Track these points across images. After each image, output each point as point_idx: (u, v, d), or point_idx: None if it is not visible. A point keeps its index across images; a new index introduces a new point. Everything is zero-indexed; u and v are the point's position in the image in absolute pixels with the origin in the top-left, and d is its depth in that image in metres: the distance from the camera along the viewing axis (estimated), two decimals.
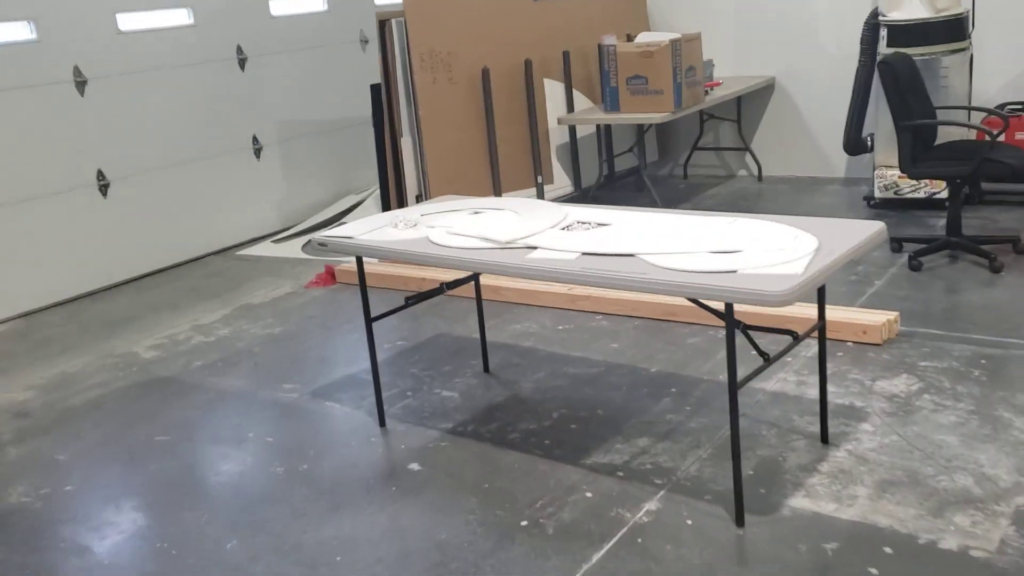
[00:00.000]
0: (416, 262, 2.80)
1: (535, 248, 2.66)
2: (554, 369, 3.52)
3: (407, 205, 4.99)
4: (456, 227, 2.95)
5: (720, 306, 2.55)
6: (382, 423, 3.19)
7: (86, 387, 3.84)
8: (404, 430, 3.13)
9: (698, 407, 3.07)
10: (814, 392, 3.08)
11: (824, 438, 2.76)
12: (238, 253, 5.77)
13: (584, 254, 2.56)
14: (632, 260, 2.46)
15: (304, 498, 2.76)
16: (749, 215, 2.77)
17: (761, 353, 2.45)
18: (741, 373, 3.24)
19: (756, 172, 6.28)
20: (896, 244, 4.45)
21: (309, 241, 5.84)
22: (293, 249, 5.70)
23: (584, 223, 2.88)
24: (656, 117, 5.02)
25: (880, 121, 5.19)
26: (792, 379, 3.20)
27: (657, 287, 2.30)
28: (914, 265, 4.17)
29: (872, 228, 2.53)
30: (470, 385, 3.45)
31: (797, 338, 2.54)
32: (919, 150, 4.18)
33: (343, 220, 6.02)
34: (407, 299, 3.20)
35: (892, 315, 3.49)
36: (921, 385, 3.07)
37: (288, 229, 6.12)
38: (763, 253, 2.37)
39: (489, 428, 3.08)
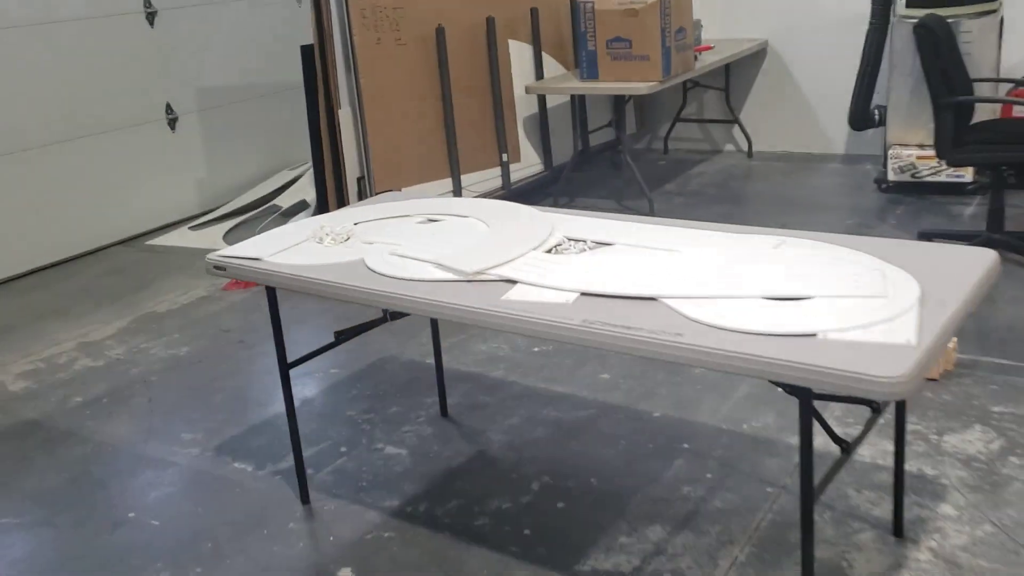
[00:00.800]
0: (346, 298, 2.03)
1: (513, 283, 1.91)
2: (531, 412, 2.78)
3: (346, 189, 4.17)
4: (403, 246, 2.17)
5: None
6: (305, 499, 2.42)
7: None
8: (335, 510, 2.37)
9: (721, 474, 2.37)
10: (869, 454, 2.40)
11: (897, 530, 2.08)
12: (148, 243, 4.90)
13: (584, 295, 1.82)
14: (654, 307, 1.72)
15: None
16: (798, 233, 2.05)
17: (838, 440, 1.74)
18: (768, 421, 2.54)
19: (746, 147, 5.57)
20: (925, 239, 3.78)
21: (236, 225, 5.00)
22: (214, 238, 4.85)
23: (577, 241, 2.13)
24: (641, 87, 4.26)
25: (893, 92, 4.50)
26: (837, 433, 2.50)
27: (704, 359, 1.56)
28: None
29: (984, 259, 1.82)
30: (423, 437, 2.70)
31: (878, 410, 1.84)
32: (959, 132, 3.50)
33: (274, 202, 5.17)
34: (338, 334, 2.43)
35: (950, 341, 2.81)
36: (1003, 442, 2.40)
37: (209, 213, 5.25)
38: (844, 303, 1.64)
39: (448, 508, 2.34)
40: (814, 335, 1.54)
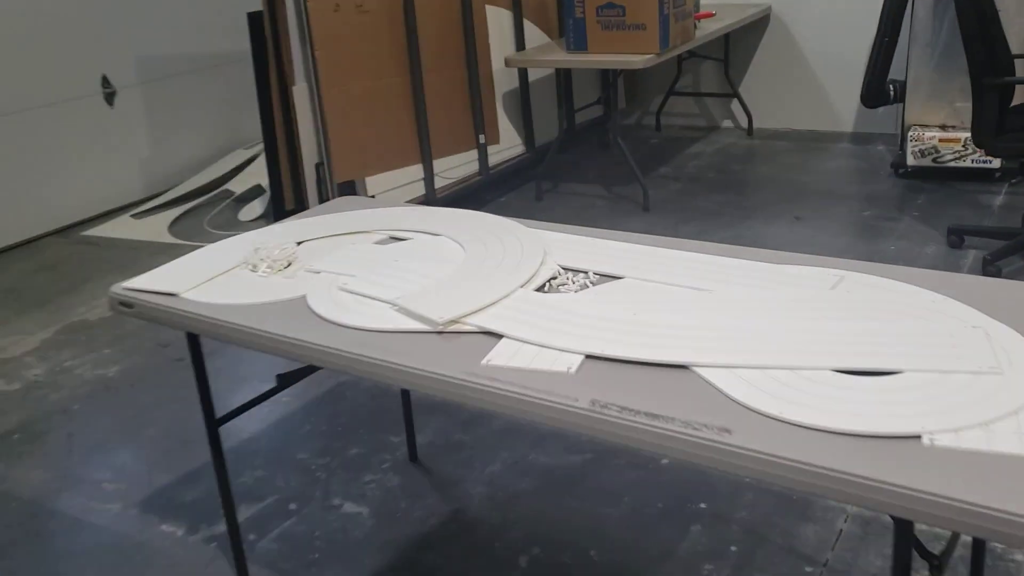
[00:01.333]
0: (279, 352, 1.58)
1: (499, 337, 1.47)
2: (515, 455, 2.36)
3: (303, 177, 3.70)
4: (357, 277, 1.72)
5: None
6: None
7: None
8: None
9: (748, 546, 1.96)
10: None
11: None
12: (85, 234, 4.40)
13: (590, 358, 1.38)
14: (685, 381, 1.29)
15: None
16: (856, 265, 1.62)
17: (927, 555, 1.33)
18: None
19: (745, 124, 5.12)
20: (956, 237, 3.37)
21: (184, 213, 4.50)
22: (159, 228, 4.36)
23: (575, 273, 1.69)
24: (636, 60, 3.79)
25: (913, 67, 4.08)
26: None
27: (762, 470, 1.13)
28: (990, 272, 3.10)
29: None
30: (388, 490, 2.27)
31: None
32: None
33: (226, 187, 4.68)
34: (280, 377, 1.99)
35: None
36: None
37: (154, 199, 4.75)
38: (947, 383, 1.22)
39: None
40: (918, 437, 1.12)
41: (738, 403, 1.23)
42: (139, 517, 2.25)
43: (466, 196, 4.23)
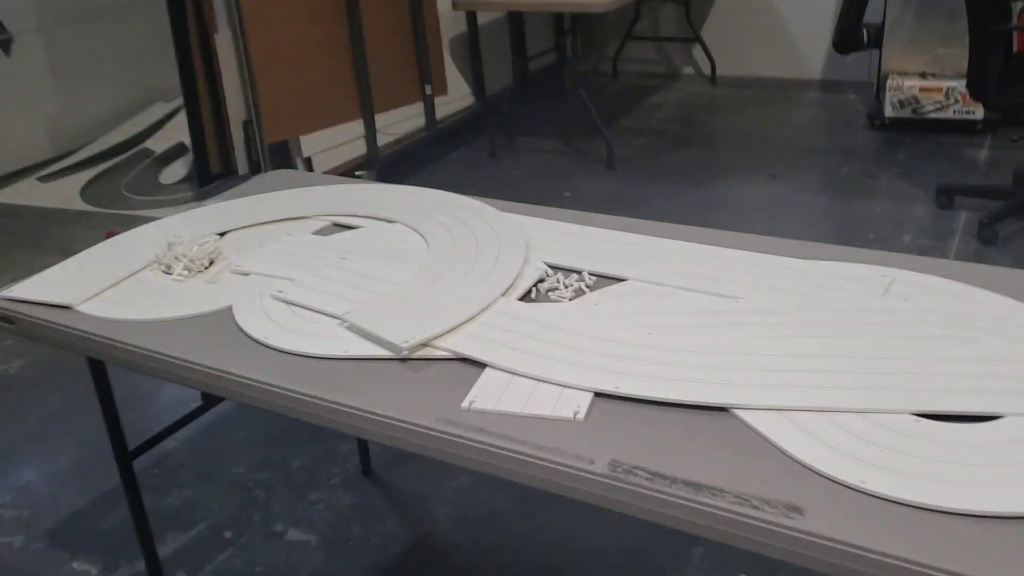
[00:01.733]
0: (200, 386, 1.25)
1: (481, 367, 1.16)
2: None
3: (229, 137, 3.29)
4: (295, 285, 1.39)
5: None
6: None
7: None
8: None
9: (760, 572, 1.72)
10: None
11: None
12: None
13: (600, 395, 1.09)
14: (728, 430, 1.01)
15: None
16: (908, 260, 1.35)
17: None
18: None
19: (708, 70, 4.82)
20: (945, 197, 3.15)
21: (98, 175, 4.05)
22: (70, 192, 3.91)
23: (568, 273, 1.38)
24: (598, 3, 3.45)
25: (891, 10, 3.81)
26: None
27: (842, 565, 0.86)
28: (987, 236, 2.88)
29: None
30: (339, 512, 1.97)
31: None
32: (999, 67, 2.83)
33: (144, 145, 4.22)
34: (206, 395, 1.66)
35: None
36: None
37: (64, 159, 4.27)
38: None
39: None
40: None
41: (803, 465, 0.95)
42: (45, 552, 1.91)
43: (412, 154, 3.88)
